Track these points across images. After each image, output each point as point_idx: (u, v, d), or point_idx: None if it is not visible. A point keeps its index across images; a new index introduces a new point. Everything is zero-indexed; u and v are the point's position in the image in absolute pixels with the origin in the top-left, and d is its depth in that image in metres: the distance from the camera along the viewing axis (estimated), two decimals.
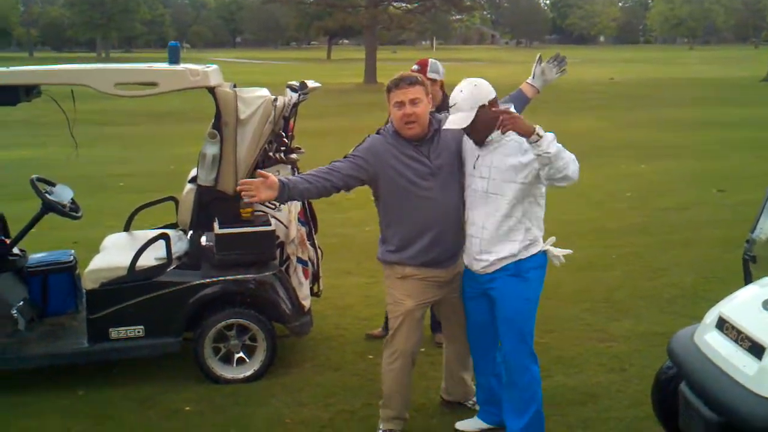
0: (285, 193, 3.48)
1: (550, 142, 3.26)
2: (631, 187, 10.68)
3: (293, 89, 4.96)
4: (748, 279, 3.92)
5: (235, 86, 4.81)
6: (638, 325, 5.46)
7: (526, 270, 3.58)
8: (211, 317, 4.56)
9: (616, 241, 7.83)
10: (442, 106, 4.46)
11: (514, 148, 3.51)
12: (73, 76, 4.56)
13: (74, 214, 4.99)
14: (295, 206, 4.84)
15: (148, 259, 4.58)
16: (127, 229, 5.54)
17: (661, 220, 8.75)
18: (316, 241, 5.22)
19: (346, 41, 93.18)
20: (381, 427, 3.99)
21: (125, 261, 4.54)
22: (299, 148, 5.15)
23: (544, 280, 3.69)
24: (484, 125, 3.50)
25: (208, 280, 4.54)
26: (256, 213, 4.71)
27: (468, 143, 3.67)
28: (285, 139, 5.02)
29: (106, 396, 4.51)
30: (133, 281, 4.52)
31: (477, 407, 4.14)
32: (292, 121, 5.09)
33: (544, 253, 3.63)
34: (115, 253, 4.88)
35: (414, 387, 4.14)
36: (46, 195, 4.83)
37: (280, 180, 3.46)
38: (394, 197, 3.71)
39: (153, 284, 4.53)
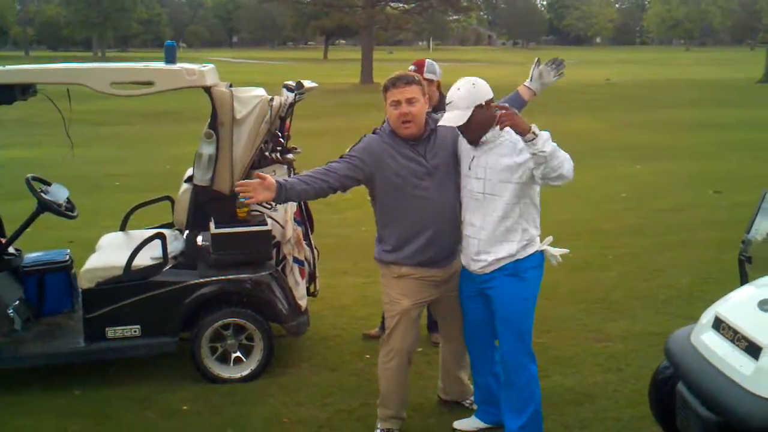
0: (282, 194, 3.48)
1: (545, 140, 3.27)
2: (627, 188, 10.70)
3: (290, 89, 4.95)
4: (744, 279, 3.92)
5: (231, 86, 4.80)
6: (634, 326, 5.47)
7: (524, 270, 3.58)
8: (207, 317, 4.56)
9: (612, 242, 7.85)
10: (439, 106, 4.45)
11: (508, 149, 3.51)
12: (70, 75, 4.55)
13: (70, 213, 4.98)
14: (291, 206, 4.84)
15: (144, 259, 4.58)
16: (123, 228, 5.54)
17: (657, 221, 8.76)
18: (312, 241, 5.21)
19: (342, 41, 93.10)
20: (379, 426, 4.00)
21: (121, 260, 4.54)
22: (295, 148, 5.15)
23: (541, 280, 3.69)
24: (479, 125, 3.50)
25: (204, 280, 4.53)
26: (252, 213, 4.70)
27: (463, 144, 3.67)
28: (281, 139, 5.01)
29: (102, 395, 4.50)
30: (129, 281, 4.52)
31: (474, 406, 4.15)
32: (288, 121, 5.08)
33: (541, 253, 3.64)
34: (111, 253, 4.87)
35: (411, 386, 4.15)
36: (42, 194, 4.82)
37: (277, 181, 3.46)
38: (391, 197, 3.71)
39: (149, 284, 4.53)
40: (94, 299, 4.52)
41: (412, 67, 4.68)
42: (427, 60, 4.83)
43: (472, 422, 4.06)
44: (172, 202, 5.35)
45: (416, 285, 3.80)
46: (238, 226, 4.56)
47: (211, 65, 4.83)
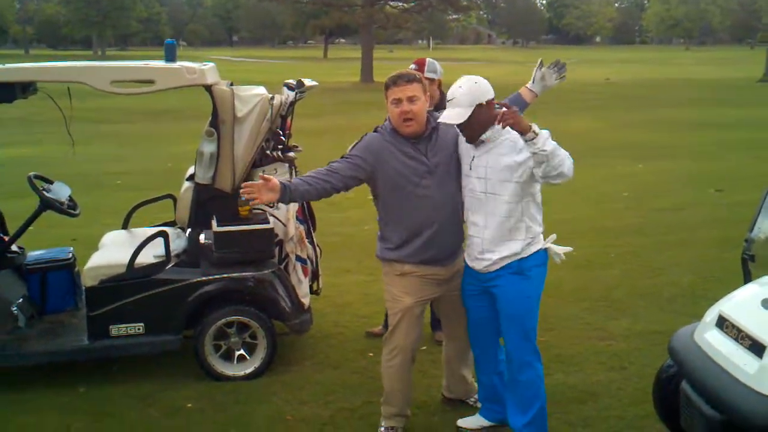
0: (286, 196, 3.49)
1: (545, 139, 3.28)
2: (627, 188, 10.70)
3: (290, 87, 4.95)
4: (747, 278, 3.93)
5: (231, 84, 4.80)
6: (637, 324, 5.47)
7: (528, 268, 3.59)
8: (211, 314, 4.56)
9: (614, 241, 7.85)
10: (440, 105, 4.45)
11: (508, 148, 3.52)
12: (70, 73, 4.55)
13: (72, 211, 4.98)
14: (293, 204, 4.83)
15: (146, 257, 4.58)
16: (125, 226, 5.54)
17: (657, 220, 8.77)
18: (314, 239, 5.22)
19: (342, 40, 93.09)
20: (383, 424, 4.00)
21: (124, 258, 4.54)
22: (296, 146, 5.14)
23: (545, 278, 3.70)
24: (479, 124, 3.50)
25: (207, 278, 4.54)
26: (255, 211, 4.70)
27: (464, 143, 3.67)
28: (282, 138, 5.02)
29: (106, 393, 4.50)
30: (133, 278, 4.52)
31: (479, 404, 4.15)
32: (289, 120, 5.08)
33: (545, 251, 3.64)
34: (114, 251, 4.87)
35: (415, 385, 4.15)
36: (44, 192, 4.82)
37: (281, 183, 3.47)
38: (392, 195, 3.72)
39: (152, 281, 4.53)
40: (97, 297, 4.52)
41: (413, 66, 4.67)
42: (428, 59, 4.83)
43: (476, 420, 4.06)
44: (174, 200, 5.35)
45: (418, 283, 3.81)
46: (241, 225, 4.56)
47: (211, 64, 4.83)
